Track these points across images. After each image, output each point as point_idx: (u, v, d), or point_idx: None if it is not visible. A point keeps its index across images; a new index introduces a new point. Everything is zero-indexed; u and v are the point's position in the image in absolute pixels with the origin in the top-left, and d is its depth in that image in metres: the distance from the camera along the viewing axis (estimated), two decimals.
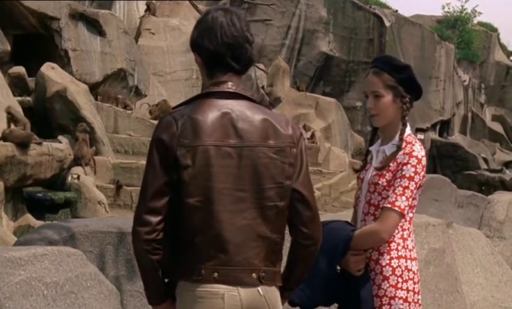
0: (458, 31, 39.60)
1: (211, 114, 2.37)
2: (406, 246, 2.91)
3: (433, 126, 35.04)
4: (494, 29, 42.63)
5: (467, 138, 37.70)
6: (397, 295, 2.86)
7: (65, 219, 9.12)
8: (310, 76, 32.34)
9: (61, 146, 12.14)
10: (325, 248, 2.89)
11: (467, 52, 39.32)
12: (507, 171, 32.13)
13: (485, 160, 34.01)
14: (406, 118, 2.96)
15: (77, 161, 12.26)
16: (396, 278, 2.86)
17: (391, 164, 2.88)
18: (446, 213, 5.63)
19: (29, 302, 2.14)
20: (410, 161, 2.85)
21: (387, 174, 2.89)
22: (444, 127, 36.50)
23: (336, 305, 3.09)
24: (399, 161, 2.87)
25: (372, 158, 3.04)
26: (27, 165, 10.68)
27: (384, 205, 2.85)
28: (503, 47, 43.62)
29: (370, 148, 3.07)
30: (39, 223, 10.05)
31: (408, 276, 2.88)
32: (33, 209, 11.16)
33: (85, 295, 2.28)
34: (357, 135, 31.02)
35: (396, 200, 2.82)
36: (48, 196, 11.50)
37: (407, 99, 2.95)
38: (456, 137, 36.86)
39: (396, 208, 2.82)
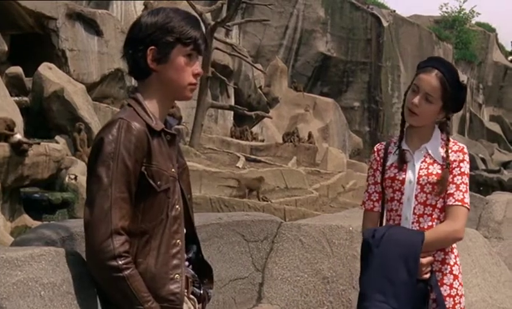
0: (456, 31, 39.66)
1: None
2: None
3: None
4: (493, 30, 42.71)
5: (465, 138, 37.76)
6: (463, 292, 2.88)
7: (62, 220, 9.10)
8: (308, 77, 32.36)
9: (58, 146, 12.12)
10: (401, 256, 2.73)
11: (465, 52, 39.38)
12: (505, 171, 32.17)
13: (483, 160, 34.08)
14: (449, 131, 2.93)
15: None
16: (461, 276, 2.88)
17: (441, 163, 2.83)
18: None
19: (27, 302, 2.12)
20: (465, 158, 2.84)
21: (440, 173, 2.81)
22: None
23: None
24: (452, 159, 2.82)
25: (407, 157, 2.87)
26: (24, 165, 10.66)
27: (453, 204, 2.80)
28: (501, 47, 43.70)
29: (406, 148, 2.89)
30: (36, 223, 10.03)
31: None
32: (30, 209, 11.15)
33: (83, 295, 2.27)
34: (355, 135, 31.01)
35: (464, 197, 2.80)
36: (45, 196, 11.49)
37: (450, 115, 2.90)
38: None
39: (466, 205, 2.80)
